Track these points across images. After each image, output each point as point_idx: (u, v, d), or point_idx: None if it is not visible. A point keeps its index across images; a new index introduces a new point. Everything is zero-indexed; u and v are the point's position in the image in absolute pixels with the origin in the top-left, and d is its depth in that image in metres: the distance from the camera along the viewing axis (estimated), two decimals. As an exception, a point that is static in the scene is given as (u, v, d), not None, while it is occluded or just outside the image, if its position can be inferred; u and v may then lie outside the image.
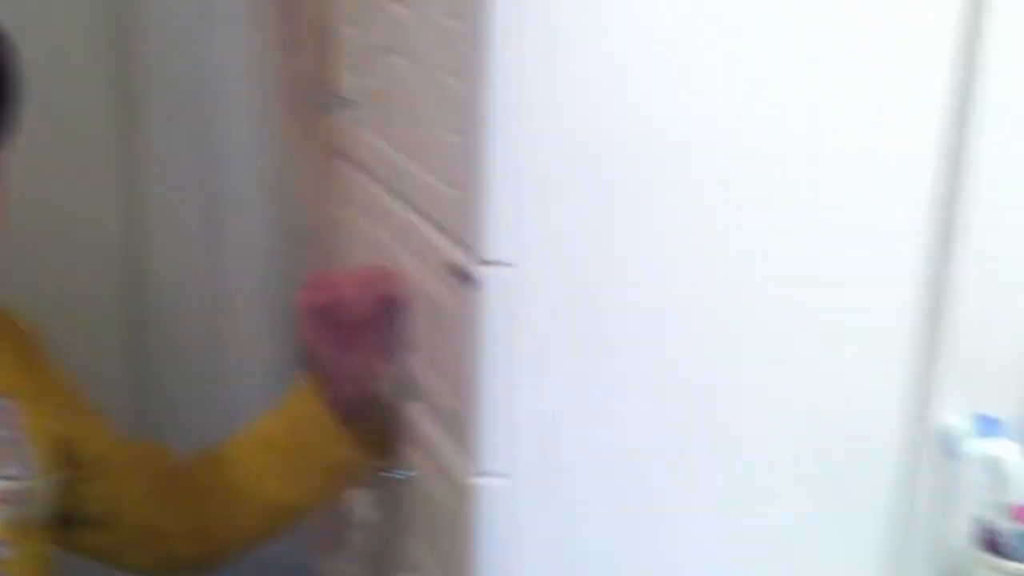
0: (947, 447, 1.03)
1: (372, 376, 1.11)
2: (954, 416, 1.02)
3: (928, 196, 0.97)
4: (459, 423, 0.95)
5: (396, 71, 1.04)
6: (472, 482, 0.92)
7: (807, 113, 0.92)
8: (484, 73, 0.84)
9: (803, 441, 1.01)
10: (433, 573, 1.06)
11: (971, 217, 0.97)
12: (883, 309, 1.00)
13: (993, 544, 1.02)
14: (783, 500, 1.02)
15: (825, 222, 0.95)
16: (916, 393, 1.02)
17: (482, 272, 0.88)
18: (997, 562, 1.01)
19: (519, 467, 0.92)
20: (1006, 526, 1.00)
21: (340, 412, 1.08)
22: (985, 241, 0.98)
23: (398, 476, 1.10)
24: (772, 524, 1.02)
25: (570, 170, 0.88)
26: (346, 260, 1.28)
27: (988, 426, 1.01)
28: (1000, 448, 0.99)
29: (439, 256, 0.96)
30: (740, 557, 1.02)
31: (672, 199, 0.91)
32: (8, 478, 0.97)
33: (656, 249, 0.92)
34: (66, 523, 1.07)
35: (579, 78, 0.86)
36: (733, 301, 0.95)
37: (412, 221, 1.03)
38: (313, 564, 1.42)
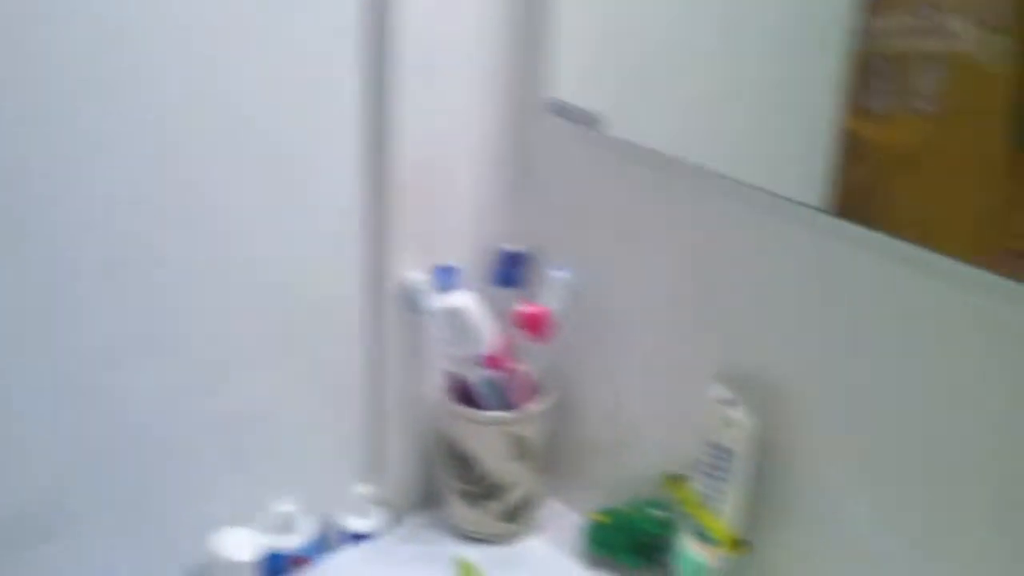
0: (410, 303, 1.01)
1: None
2: (414, 271, 1.01)
3: (359, 39, 0.93)
4: None
5: None
6: None
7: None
8: None
9: (267, 312, 0.96)
10: None
11: (404, 66, 0.94)
12: (326, 171, 0.95)
13: (465, 395, 1.02)
14: (256, 375, 0.97)
15: (260, 78, 0.88)
16: (373, 251, 0.99)
17: None
18: (470, 412, 1.01)
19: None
20: (474, 375, 1.01)
21: None
22: (419, 88, 0.95)
23: None
24: (248, 401, 0.97)
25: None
26: None
27: (447, 277, 1.00)
28: (459, 299, 0.98)
29: None
30: (221, 440, 0.96)
31: (86, 59, 0.80)
32: None
33: (90, 114, 0.81)
34: None
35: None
36: (175, 172, 0.86)
37: None
38: None
